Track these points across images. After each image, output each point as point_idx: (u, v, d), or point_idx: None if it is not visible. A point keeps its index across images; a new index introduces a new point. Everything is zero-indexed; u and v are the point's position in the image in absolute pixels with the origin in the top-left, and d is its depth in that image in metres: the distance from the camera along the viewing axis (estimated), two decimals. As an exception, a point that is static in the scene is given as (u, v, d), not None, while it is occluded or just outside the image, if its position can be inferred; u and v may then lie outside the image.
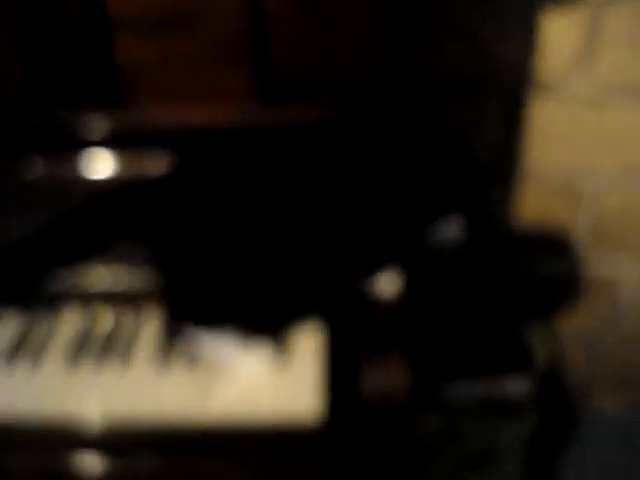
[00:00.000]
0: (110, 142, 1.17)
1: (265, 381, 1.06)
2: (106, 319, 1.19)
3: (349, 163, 1.03)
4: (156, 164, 1.16)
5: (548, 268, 1.79)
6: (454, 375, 1.69)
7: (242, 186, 1.00)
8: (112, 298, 1.19)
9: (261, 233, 0.99)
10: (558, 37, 1.51)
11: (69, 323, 1.19)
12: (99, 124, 1.18)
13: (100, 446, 1.07)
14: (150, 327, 1.17)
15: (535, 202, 1.66)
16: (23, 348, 1.14)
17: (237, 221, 0.99)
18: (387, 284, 1.14)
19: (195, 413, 1.04)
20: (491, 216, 1.65)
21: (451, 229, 1.07)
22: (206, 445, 1.07)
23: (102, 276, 1.16)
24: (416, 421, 1.63)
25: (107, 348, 1.14)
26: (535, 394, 1.74)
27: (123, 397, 1.06)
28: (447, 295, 1.77)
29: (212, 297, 1.02)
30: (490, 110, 1.58)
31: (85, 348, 1.14)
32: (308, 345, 1.11)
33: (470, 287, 1.76)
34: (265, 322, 1.14)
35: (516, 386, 1.73)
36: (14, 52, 1.15)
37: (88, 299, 1.19)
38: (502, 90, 1.57)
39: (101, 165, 1.18)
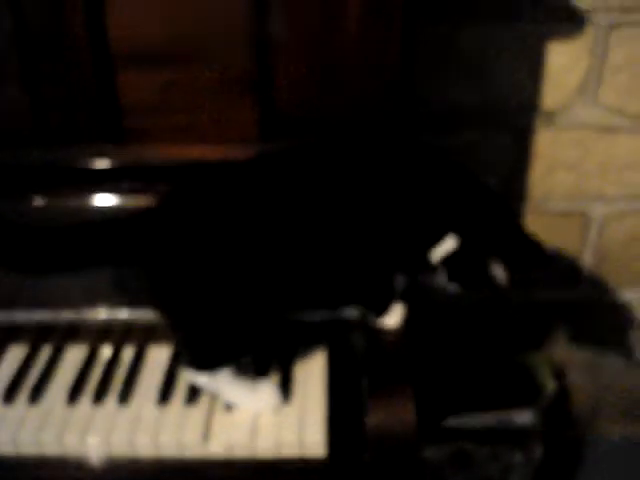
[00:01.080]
0: (112, 177, 1.17)
1: (269, 415, 1.05)
2: (107, 353, 1.18)
3: (352, 193, 1.02)
4: (158, 198, 1.15)
5: (555, 293, 1.78)
6: (464, 407, 1.69)
7: (241, 219, 0.99)
8: (114, 332, 1.18)
9: (264, 266, 0.98)
10: (562, 64, 1.51)
11: (71, 357, 1.17)
12: (101, 160, 1.17)
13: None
14: (152, 362, 1.16)
15: (542, 228, 1.65)
16: (24, 382, 1.13)
17: (239, 253, 0.98)
18: (391, 315, 1.13)
19: (196, 449, 1.03)
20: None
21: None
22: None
23: (103, 310, 1.15)
24: (427, 451, 1.62)
25: (107, 383, 1.12)
26: (542, 424, 1.73)
27: (123, 432, 1.04)
28: (452, 325, 1.77)
29: (218, 333, 1.01)
30: (497, 138, 1.58)
31: (86, 383, 1.12)
32: (312, 378, 1.10)
33: (476, 316, 1.75)
34: (271, 357, 1.13)
35: (524, 418, 1.72)
36: (19, 90, 1.15)
37: (90, 333, 1.18)
38: (508, 118, 1.57)
39: (104, 200, 1.18)
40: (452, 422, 1.68)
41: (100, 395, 1.11)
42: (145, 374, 1.14)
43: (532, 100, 1.56)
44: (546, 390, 1.74)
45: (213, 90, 1.15)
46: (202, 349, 1.04)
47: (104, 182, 1.17)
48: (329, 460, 1.03)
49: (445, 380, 1.70)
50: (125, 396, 1.10)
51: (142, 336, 1.18)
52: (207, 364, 1.04)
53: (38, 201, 1.17)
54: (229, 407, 1.07)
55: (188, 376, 1.06)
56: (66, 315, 1.16)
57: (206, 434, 1.04)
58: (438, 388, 1.66)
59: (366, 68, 1.13)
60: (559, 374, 1.80)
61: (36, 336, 1.20)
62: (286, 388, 1.09)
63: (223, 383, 1.05)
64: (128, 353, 1.18)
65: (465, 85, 1.53)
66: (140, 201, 1.15)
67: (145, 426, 1.05)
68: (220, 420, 1.06)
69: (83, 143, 1.18)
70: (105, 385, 1.12)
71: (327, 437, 1.02)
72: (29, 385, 1.13)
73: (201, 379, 1.05)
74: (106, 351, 1.19)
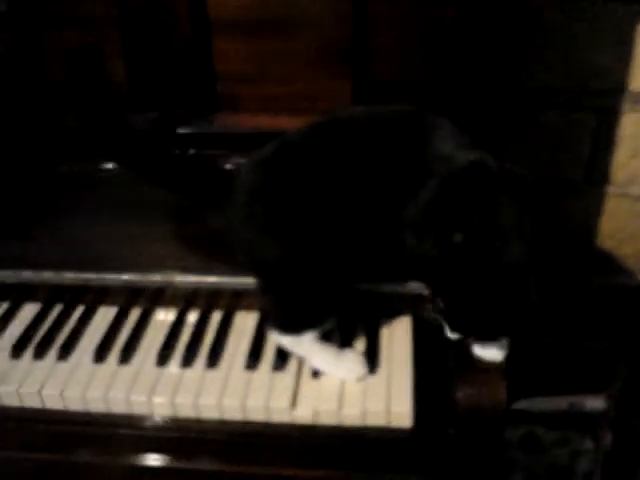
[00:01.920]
0: (206, 143, 1.18)
1: (356, 384, 1.05)
2: (194, 317, 1.20)
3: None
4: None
5: (633, 279, 1.74)
6: (536, 390, 1.68)
7: (336, 182, 0.99)
8: (201, 297, 1.19)
9: (358, 232, 0.98)
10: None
11: (160, 320, 1.20)
12: (196, 128, 1.19)
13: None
14: (239, 327, 1.17)
15: (624, 212, 1.63)
16: (114, 343, 1.16)
17: (332, 217, 0.98)
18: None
19: (283, 414, 1.04)
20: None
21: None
22: (291, 449, 1.07)
23: (192, 275, 1.17)
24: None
25: (195, 347, 1.14)
26: (613, 411, 1.72)
27: (211, 395, 1.06)
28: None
29: (306, 297, 1.02)
30: (581, 119, 1.56)
31: (174, 346, 1.14)
32: (398, 349, 1.10)
33: (551, 300, 1.73)
34: (357, 327, 1.14)
35: (595, 404, 1.71)
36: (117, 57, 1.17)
37: (178, 297, 1.20)
38: (593, 99, 1.54)
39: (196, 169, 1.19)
40: (523, 405, 1.67)
41: (188, 359, 1.12)
42: (232, 339, 1.15)
43: (619, 81, 1.53)
44: (618, 377, 1.72)
45: (307, 59, 1.15)
46: (289, 311, 1.05)
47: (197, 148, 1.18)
48: (414, 431, 1.03)
49: (518, 363, 1.69)
50: (214, 360, 1.11)
51: (229, 302, 1.19)
52: (293, 327, 1.05)
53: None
54: (316, 374, 1.08)
55: (273, 337, 1.07)
56: (155, 278, 1.17)
57: (293, 400, 1.05)
58: (511, 370, 1.65)
59: (459, 40, 1.12)
60: (632, 361, 1.77)
61: (126, 298, 1.21)
62: (372, 358, 1.09)
63: (309, 349, 1.06)
64: (215, 318, 1.19)
65: (551, 64, 1.51)
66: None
67: (233, 390, 1.06)
68: (307, 387, 1.07)
69: (177, 109, 1.18)
70: (193, 349, 1.13)
71: (413, 408, 1.02)
72: (119, 346, 1.15)
73: (285, 341, 1.05)
74: (193, 315, 1.20)
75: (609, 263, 1.71)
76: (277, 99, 1.19)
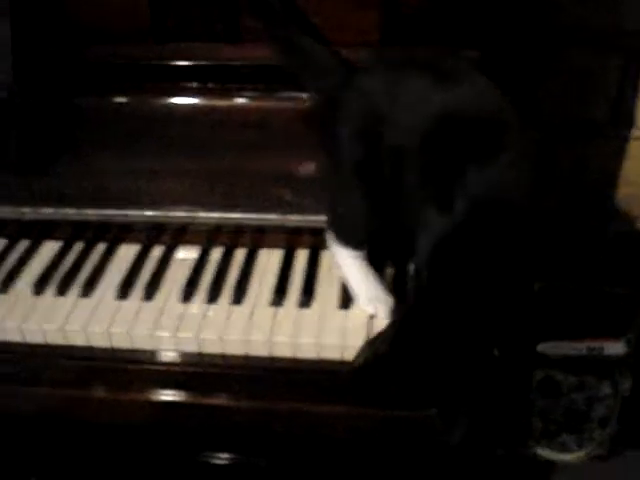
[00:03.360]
0: (228, 77, 1.16)
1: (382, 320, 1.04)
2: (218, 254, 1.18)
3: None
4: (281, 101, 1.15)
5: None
6: (555, 334, 1.67)
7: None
8: (225, 232, 1.18)
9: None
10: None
11: (182, 258, 1.19)
12: (218, 59, 1.16)
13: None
14: (263, 265, 1.16)
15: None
16: (138, 280, 1.15)
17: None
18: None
19: (311, 348, 1.04)
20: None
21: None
22: (318, 385, 1.06)
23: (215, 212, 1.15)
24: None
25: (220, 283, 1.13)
26: (632, 357, 1.71)
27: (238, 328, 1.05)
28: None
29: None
30: (609, 60, 1.52)
31: (198, 283, 1.13)
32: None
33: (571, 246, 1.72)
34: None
35: (614, 349, 1.70)
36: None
37: (200, 233, 1.19)
38: (622, 40, 1.50)
39: (218, 101, 1.17)
40: (542, 348, 1.66)
41: (214, 295, 1.11)
42: (256, 277, 1.14)
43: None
44: (638, 323, 1.71)
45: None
46: (342, 222, 1.06)
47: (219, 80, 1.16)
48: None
49: (537, 306, 1.68)
50: (239, 297, 1.10)
51: (253, 239, 1.18)
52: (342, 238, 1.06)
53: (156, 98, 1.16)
54: (340, 309, 1.06)
55: (334, 249, 1.08)
56: (177, 214, 1.16)
57: (318, 335, 1.03)
58: (530, 314, 1.64)
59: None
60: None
61: (148, 235, 1.20)
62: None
63: (349, 266, 1.07)
64: (240, 255, 1.18)
65: (577, 3, 1.47)
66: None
67: (259, 326, 1.05)
68: (333, 321, 1.05)
69: (200, 41, 1.16)
70: (218, 285, 1.12)
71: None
72: (142, 282, 1.14)
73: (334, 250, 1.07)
74: (217, 253, 1.19)
75: (630, 208, 1.69)
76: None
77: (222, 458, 1.52)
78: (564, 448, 1.74)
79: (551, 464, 1.77)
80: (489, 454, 1.55)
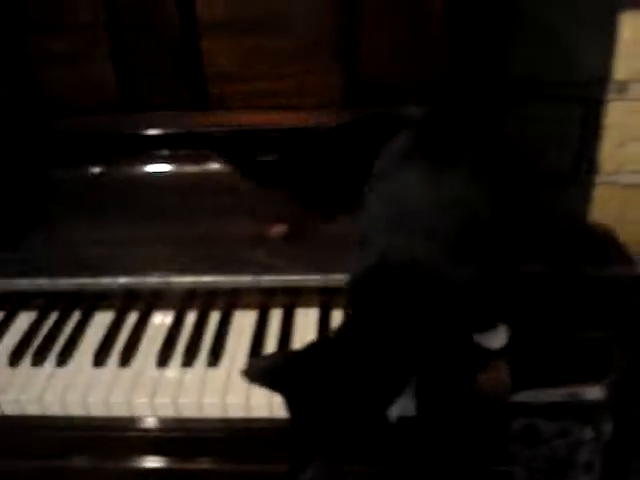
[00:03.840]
0: (198, 143, 1.19)
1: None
2: (192, 318, 1.19)
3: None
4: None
5: (625, 270, 1.75)
6: (533, 382, 1.68)
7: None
8: (199, 296, 1.19)
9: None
10: (634, 36, 1.49)
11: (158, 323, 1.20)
12: (187, 126, 1.19)
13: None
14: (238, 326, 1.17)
15: (613, 201, 1.63)
16: (113, 347, 1.16)
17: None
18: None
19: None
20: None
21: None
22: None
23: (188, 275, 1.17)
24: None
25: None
26: (612, 400, 1.72)
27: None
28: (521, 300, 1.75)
29: None
30: (567, 109, 1.57)
31: (174, 347, 1.14)
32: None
33: (545, 290, 1.74)
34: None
35: (594, 393, 1.71)
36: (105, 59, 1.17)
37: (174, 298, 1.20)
38: (579, 89, 1.55)
39: (189, 167, 1.20)
40: (522, 397, 1.67)
41: (189, 359, 1.11)
42: (232, 338, 1.15)
43: (605, 71, 1.54)
44: (616, 365, 1.72)
45: (298, 56, 1.16)
46: None
47: (189, 147, 1.18)
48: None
49: (515, 355, 1.69)
50: (214, 359, 1.11)
51: (227, 301, 1.19)
52: None
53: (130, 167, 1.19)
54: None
55: None
56: (151, 280, 1.17)
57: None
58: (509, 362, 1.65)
59: (447, 38, 1.13)
60: (629, 349, 1.78)
61: (122, 302, 1.21)
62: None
63: None
64: (214, 318, 1.19)
65: (536, 54, 1.52)
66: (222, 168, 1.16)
67: (236, 388, 1.06)
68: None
69: (168, 110, 1.18)
70: (193, 349, 1.13)
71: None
72: (119, 349, 1.15)
73: None
74: (192, 316, 1.19)
75: (601, 252, 1.72)
76: (267, 96, 1.18)
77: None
78: (550, 496, 1.73)
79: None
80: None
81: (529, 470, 1.73)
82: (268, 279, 1.14)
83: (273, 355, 0.99)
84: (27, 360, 1.14)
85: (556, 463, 1.74)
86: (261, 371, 0.91)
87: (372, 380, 0.88)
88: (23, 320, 1.22)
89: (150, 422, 1.08)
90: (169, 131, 1.20)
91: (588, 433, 1.72)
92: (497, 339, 1.03)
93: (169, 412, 1.06)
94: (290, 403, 0.88)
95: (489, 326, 1.03)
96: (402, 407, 0.96)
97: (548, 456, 1.74)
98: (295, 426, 0.89)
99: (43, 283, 1.18)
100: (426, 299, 0.90)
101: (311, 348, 0.92)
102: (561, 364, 1.72)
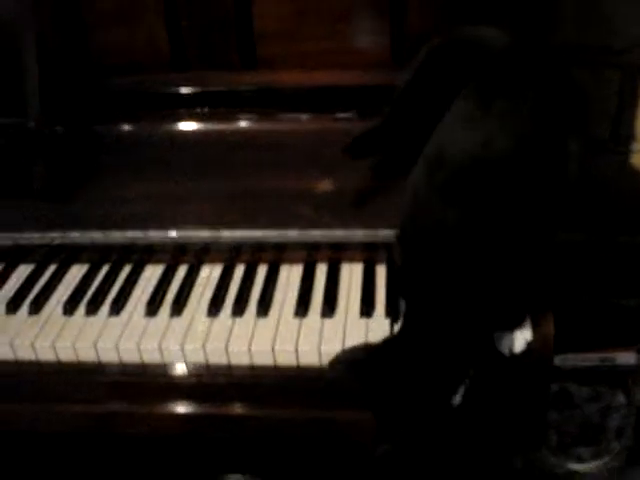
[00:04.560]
0: (247, 102, 1.21)
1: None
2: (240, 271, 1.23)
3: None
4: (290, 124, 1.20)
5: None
6: (568, 347, 1.70)
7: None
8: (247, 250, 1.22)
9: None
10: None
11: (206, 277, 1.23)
12: (235, 85, 1.22)
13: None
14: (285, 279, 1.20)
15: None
16: (165, 297, 1.20)
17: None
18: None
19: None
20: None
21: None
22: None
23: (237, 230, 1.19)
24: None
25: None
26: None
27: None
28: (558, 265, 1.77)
29: None
30: (606, 76, 1.57)
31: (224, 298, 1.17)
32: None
33: (581, 256, 1.75)
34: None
35: (627, 358, 1.72)
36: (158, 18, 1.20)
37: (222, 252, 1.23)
38: (618, 55, 1.56)
39: (240, 123, 1.23)
40: (555, 362, 1.69)
41: (239, 309, 1.15)
42: (279, 291, 1.18)
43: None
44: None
45: (345, 16, 1.17)
46: None
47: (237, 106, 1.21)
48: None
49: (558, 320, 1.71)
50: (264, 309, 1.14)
51: (274, 256, 1.22)
52: None
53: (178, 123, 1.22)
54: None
55: None
56: (200, 234, 1.20)
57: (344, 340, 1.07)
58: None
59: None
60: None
61: (172, 256, 1.24)
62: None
63: None
64: (261, 271, 1.22)
65: (575, 19, 1.52)
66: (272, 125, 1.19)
67: (285, 336, 1.09)
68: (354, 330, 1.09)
69: (217, 69, 1.21)
70: (242, 301, 1.16)
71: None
72: (169, 300, 1.18)
73: None
74: (239, 270, 1.23)
75: (635, 220, 1.73)
76: (314, 56, 1.21)
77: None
78: (580, 460, 1.75)
79: (567, 477, 1.78)
80: (506, 466, 1.57)
81: (560, 433, 1.76)
82: (314, 234, 1.17)
83: (355, 349, 1.02)
84: (81, 310, 1.18)
85: (588, 428, 1.76)
86: (345, 364, 0.98)
87: (439, 371, 0.96)
88: (76, 272, 1.26)
89: (200, 369, 1.11)
90: (218, 89, 1.22)
91: (620, 398, 1.74)
92: (519, 340, 1.04)
93: (219, 359, 1.09)
94: (370, 391, 0.95)
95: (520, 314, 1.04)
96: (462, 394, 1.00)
97: (580, 421, 1.76)
98: (374, 412, 0.97)
99: (95, 236, 1.22)
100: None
101: (388, 343, 0.99)
102: (595, 329, 1.74)
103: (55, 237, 1.23)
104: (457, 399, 1.00)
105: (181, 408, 1.13)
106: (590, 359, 1.71)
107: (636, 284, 1.78)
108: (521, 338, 1.04)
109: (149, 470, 1.52)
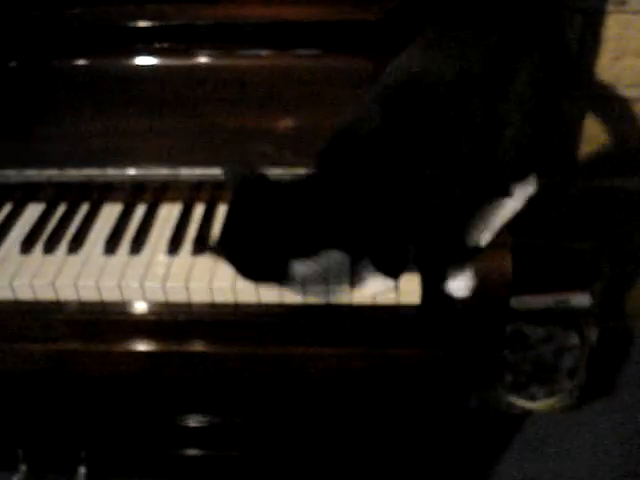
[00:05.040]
0: (210, 36, 1.19)
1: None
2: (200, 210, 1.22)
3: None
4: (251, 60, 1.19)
5: (618, 181, 1.79)
6: (523, 289, 1.73)
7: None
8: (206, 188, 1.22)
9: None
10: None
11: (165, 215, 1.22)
12: (195, 19, 1.19)
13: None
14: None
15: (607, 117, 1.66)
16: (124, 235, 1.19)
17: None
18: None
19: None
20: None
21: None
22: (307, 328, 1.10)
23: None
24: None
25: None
26: (597, 308, 1.77)
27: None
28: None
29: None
30: (567, 21, 1.57)
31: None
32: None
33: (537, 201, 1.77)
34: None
35: (580, 300, 1.76)
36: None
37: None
38: (579, 1, 1.56)
39: (200, 59, 1.21)
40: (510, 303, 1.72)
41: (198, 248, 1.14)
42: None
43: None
44: (602, 274, 1.78)
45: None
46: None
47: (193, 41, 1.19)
48: (422, 307, 1.07)
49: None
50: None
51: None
52: None
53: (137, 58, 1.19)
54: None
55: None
56: (159, 172, 1.19)
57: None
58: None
59: None
60: (614, 259, 1.83)
61: (130, 194, 1.23)
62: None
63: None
64: (221, 210, 1.21)
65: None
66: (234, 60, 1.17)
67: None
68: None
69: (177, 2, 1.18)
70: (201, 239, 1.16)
71: (420, 285, 1.06)
72: (128, 238, 1.17)
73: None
74: (199, 209, 1.22)
75: (592, 166, 1.75)
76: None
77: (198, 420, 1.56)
78: (534, 398, 1.80)
79: (522, 416, 1.83)
80: (461, 406, 1.61)
81: (515, 373, 1.80)
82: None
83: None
84: (39, 248, 1.17)
85: (542, 368, 1.80)
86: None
87: None
88: (33, 211, 1.24)
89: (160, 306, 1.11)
90: (175, 23, 1.20)
91: (574, 339, 1.78)
92: (462, 287, 1.06)
93: (178, 297, 1.09)
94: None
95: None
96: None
97: (534, 361, 1.81)
98: None
99: (51, 174, 1.20)
100: None
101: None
102: (549, 272, 1.77)
103: (11, 175, 1.20)
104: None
105: (141, 346, 1.13)
106: (544, 301, 1.75)
107: (590, 228, 1.81)
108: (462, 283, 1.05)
109: (108, 410, 1.52)
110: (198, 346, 1.13)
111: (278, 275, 0.96)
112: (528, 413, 1.80)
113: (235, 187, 0.97)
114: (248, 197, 0.95)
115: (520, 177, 1.06)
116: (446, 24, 1.00)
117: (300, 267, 0.95)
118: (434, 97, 0.95)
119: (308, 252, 0.95)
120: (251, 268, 0.96)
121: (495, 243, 1.05)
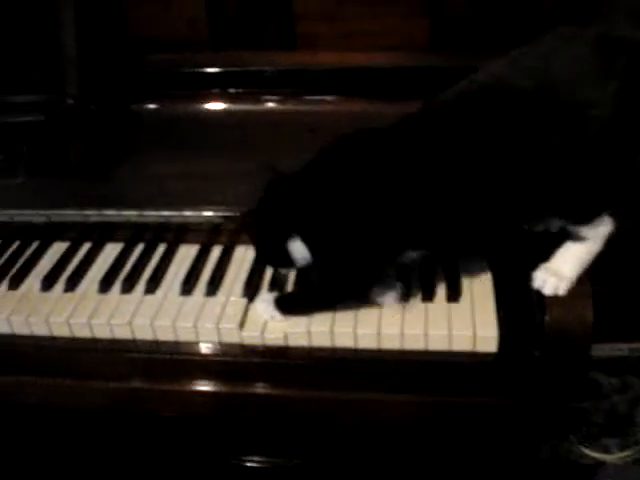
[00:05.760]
0: (286, 82, 1.21)
1: (440, 312, 1.08)
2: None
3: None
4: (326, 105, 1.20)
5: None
6: (596, 336, 1.68)
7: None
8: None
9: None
10: None
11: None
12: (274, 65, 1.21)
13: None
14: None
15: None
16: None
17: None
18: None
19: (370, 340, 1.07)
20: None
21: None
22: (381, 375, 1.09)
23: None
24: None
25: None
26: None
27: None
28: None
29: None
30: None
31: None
32: (478, 277, 1.13)
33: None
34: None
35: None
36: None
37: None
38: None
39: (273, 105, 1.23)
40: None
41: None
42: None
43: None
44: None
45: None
46: None
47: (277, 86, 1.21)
48: (500, 355, 1.05)
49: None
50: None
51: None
52: None
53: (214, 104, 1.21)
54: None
55: None
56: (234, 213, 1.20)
57: (379, 331, 1.07)
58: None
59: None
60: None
61: (207, 235, 1.25)
62: (454, 288, 1.11)
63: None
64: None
65: None
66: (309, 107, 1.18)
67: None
68: (390, 314, 1.09)
69: (256, 49, 1.21)
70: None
71: (498, 332, 1.04)
72: (204, 280, 1.18)
73: None
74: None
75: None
76: (353, 36, 1.20)
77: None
78: (607, 451, 1.74)
79: (593, 468, 1.77)
80: (532, 456, 1.57)
81: (588, 425, 1.75)
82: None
83: None
84: (116, 287, 1.18)
85: (615, 419, 1.75)
86: None
87: None
88: (111, 250, 1.26)
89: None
90: (256, 69, 1.22)
91: (648, 388, 1.73)
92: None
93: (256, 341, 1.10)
94: None
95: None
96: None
97: (607, 411, 1.75)
98: None
99: (130, 214, 1.22)
100: None
101: None
102: (625, 319, 1.72)
103: (91, 215, 1.22)
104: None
105: (211, 387, 1.13)
106: (620, 349, 1.70)
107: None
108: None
109: (169, 450, 1.53)
110: (263, 388, 1.12)
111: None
112: (601, 463, 1.74)
113: None
114: None
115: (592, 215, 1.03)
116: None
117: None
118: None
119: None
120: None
121: (575, 291, 1.02)
